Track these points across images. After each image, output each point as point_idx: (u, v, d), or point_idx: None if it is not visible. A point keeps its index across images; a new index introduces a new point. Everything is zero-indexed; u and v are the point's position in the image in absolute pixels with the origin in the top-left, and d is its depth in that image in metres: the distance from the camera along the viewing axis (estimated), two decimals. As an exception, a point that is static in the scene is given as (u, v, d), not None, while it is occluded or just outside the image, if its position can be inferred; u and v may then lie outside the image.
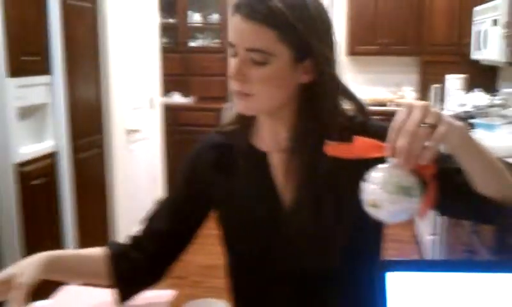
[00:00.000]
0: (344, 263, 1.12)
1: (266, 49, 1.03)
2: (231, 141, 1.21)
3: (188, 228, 1.25)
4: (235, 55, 1.06)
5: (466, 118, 3.91)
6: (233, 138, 1.21)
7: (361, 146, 0.92)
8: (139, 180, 4.10)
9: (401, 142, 0.86)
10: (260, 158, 1.18)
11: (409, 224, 4.45)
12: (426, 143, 0.86)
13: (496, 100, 3.89)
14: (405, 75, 5.85)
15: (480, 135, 3.14)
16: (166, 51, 5.08)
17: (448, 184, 0.99)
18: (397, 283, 0.85)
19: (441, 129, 0.87)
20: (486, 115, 3.88)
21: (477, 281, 0.84)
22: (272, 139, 1.17)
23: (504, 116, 3.33)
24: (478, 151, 0.97)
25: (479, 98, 4.08)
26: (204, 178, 1.21)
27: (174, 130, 5.41)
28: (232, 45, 1.06)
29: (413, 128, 0.86)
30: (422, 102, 0.89)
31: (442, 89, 5.03)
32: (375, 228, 1.18)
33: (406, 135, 0.86)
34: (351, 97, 1.14)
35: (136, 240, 1.27)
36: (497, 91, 4.51)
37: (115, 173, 3.69)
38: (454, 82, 4.82)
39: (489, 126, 3.39)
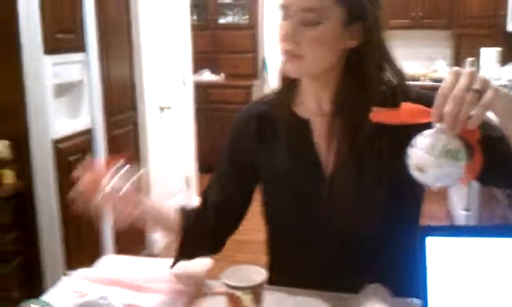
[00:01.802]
0: (384, 228, 1.14)
1: (321, 9, 1.06)
2: (272, 110, 1.23)
3: (240, 196, 1.28)
4: (285, 17, 1.08)
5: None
6: (274, 107, 1.24)
7: (408, 111, 0.93)
8: (171, 156, 4.15)
9: (448, 107, 0.87)
10: (302, 125, 1.20)
11: (443, 199, 4.41)
12: (473, 109, 0.87)
13: (533, 72, 3.80)
14: (438, 49, 5.76)
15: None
16: (196, 29, 5.09)
17: (492, 152, 0.98)
18: (436, 248, 0.86)
19: (487, 95, 0.87)
20: (521, 88, 3.80)
21: (517, 246, 0.84)
22: (315, 104, 1.19)
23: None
24: None
25: (515, 70, 3.98)
26: (247, 148, 1.24)
27: (204, 108, 5.44)
28: (284, 7, 1.08)
29: (459, 93, 0.86)
30: (469, 69, 0.90)
31: (477, 63, 4.93)
32: (415, 195, 1.20)
33: (453, 100, 0.86)
34: (393, 65, 1.16)
35: (197, 212, 1.30)
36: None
37: (148, 149, 3.73)
38: (488, 55, 4.72)
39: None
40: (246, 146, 1.24)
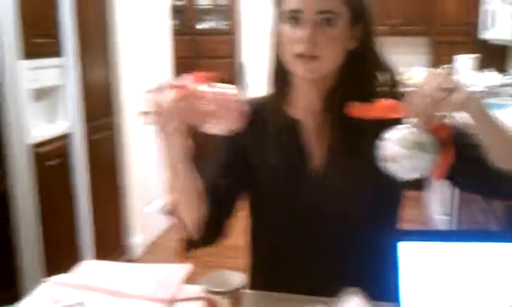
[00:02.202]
0: (368, 230, 1.15)
1: (334, 10, 1.11)
2: (263, 110, 1.26)
3: (235, 181, 1.27)
4: (300, 21, 1.11)
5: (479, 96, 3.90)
6: (266, 106, 1.27)
7: (381, 106, 0.99)
8: (151, 161, 4.13)
9: (420, 103, 0.92)
10: (293, 125, 1.24)
11: (423, 204, 4.46)
12: (443, 106, 0.92)
13: (508, 79, 3.87)
14: (415, 56, 5.82)
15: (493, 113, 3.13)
16: (175, 34, 5.07)
17: (464, 156, 1.04)
18: (410, 253, 0.87)
19: (458, 95, 0.92)
20: (497, 95, 3.87)
21: (487, 250, 0.86)
22: (306, 104, 1.23)
23: (513, 95, 3.32)
24: (493, 123, 1.01)
25: (491, 77, 4.06)
26: (241, 139, 1.25)
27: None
28: (298, 11, 1.11)
29: (431, 91, 0.92)
30: (443, 70, 0.97)
31: (453, 70, 5.00)
32: (397, 197, 1.26)
33: (425, 96, 0.92)
34: (387, 68, 1.22)
35: None
36: (506, 70, 4.49)
37: (127, 153, 3.72)
38: (464, 62, 4.79)
39: (501, 106, 3.38)
40: (239, 137, 1.23)
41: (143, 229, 3.94)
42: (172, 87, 1.02)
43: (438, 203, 3.73)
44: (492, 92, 3.83)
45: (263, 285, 1.27)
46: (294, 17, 1.12)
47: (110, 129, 3.56)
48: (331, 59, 1.15)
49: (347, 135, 1.19)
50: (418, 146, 0.93)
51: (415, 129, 0.94)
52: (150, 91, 1.04)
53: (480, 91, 3.80)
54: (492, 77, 4.04)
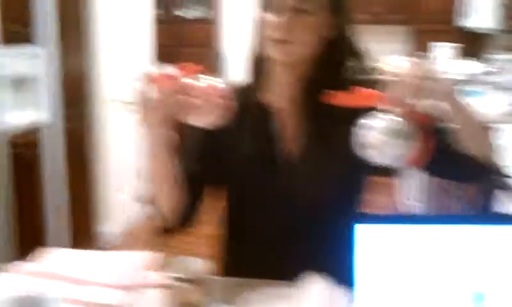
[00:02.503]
0: (338, 215, 1.15)
1: None
2: (239, 97, 1.25)
3: (209, 169, 1.26)
4: (277, 8, 1.13)
5: (456, 85, 3.93)
6: (242, 93, 1.27)
7: (359, 95, 1.00)
8: (124, 150, 4.10)
9: (399, 91, 0.95)
10: (268, 113, 1.25)
11: (394, 191, 4.47)
12: (422, 95, 0.95)
13: (487, 67, 3.90)
14: (396, 45, 5.84)
15: (469, 102, 3.15)
16: (156, 22, 5.03)
17: (439, 143, 1.06)
18: (367, 236, 0.87)
19: (437, 84, 0.96)
20: (474, 83, 3.89)
21: (444, 233, 0.86)
22: (282, 91, 1.24)
23: (492, 83, 3.34)
24: (467, 111, 1.06)
25: (470, 65, 4.08)
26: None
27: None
28: None
29: (410, 79, 0.94)
30: (419, 60, 0.99)
31: (432, 58, 5.02)
32: (362, 180, 1.28)
33: (403, 85, 0.94)
34: (363, 56, 1.24)
35: None
36: (485, 58, 4.51)
37: (102, 142, 3.69)
38: (443, 50, 4.81)
39: (478, 93, 3.40)
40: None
41: (116, 218, 3.92)
42: (160, 77, 1.01)
43: (411, 189, 3.75)
44: (470, 80, 3.85)
45: (233, 271, 1.27)
46: (273, 4, 1.14)
47: (86, 118, 3.53)
48: (305, 45, 1.16)
49: (320, 123, 1.20)
50: (399, 133, 0.94)
51: (395, 117, 0.95)
52: (136, 80, 1.02)
53: (457, 80, 3.83)
54: (470, 65, 4.07)
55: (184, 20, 5.84)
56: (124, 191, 4.07)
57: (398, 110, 0.95)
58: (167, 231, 1.24)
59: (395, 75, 0.96)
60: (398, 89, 0.95)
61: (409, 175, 3.81)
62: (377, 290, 0.86)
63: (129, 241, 3.93)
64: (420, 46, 5.43)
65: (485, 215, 1.49)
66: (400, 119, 0.95)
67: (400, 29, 5.76)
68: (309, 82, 1.21)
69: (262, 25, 1.17)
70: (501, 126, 2.83)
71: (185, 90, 1.00)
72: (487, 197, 2.08)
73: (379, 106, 0.97)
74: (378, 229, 0.87)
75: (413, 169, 1.05)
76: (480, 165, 1.12)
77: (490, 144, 1.14)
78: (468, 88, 3.65)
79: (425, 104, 0.96)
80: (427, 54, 4.98)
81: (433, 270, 0.85)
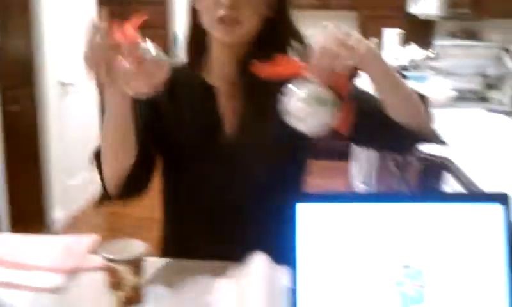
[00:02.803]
0: (277, 191, 1.15)
1: None
2: (180, 76, 1.25)
3: (154, 141, 1.24)
4: None
5: (401, 71, 4.01)
6: (182, 71, 1.26)
7: (284, 64, 0.99)
8: (74, 133, 4.01)
9: (317, 57, 0.94)
10: (209, 91, 1.24)
11: (345, 174, 4.57)
12: (342, 61, 0.94)
13: (429, 53, 3.99)
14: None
15: (413, 86, 3.23)
16: (104, 3, 4.91)
17: (364, 112, 1.08)
18: (308, 215, 0.88)
19: (358, 50, 0.94)
20: (419, 68, 3.98)
21: (384, 211, 0.88)
22: (221, 70, 1.23)
23: (434, 68, 3.43)
24: (392, 75, 1.05)
25: (414, 51, 4.17)
26: (159, 103, 1.23)
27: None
28: None
29: (330, 46, 0.93)
30: (339, 25, 0.97)
31: (380, 44, 5.10)
32: (302, 159, 1.30)
33: (323, 52, 0.94)
34: (300, 39, 1.22)
35: None
36: (432, 44, 4.62)
37: (48, 125, 3.59)
38: (391, 36, 4.89)
39: (421, 78, 3.48)
40: (159, 101, 1.22)
41: (64, 203, 3.84)
42: (106, 30, 0.97)
43: (359, 172, 3.83)
44: (414, 65, 3.94)
45: (172, 253, 1.26)
46: None
47: (30, 100, 3.43)
48: (252, 23, 1.15)
49: (257, 101, 1.20)
50: (318, 101, 0.93)
51: (313, 84, 0.94)
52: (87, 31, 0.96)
53: (401, 65, 3.90)
54: (415, 51, 4.15)
55: (135, 1, 5.70)
56: (74, 175, 3.99)
57: (319, 77, 0.95)
58: (108, 196, 1.21)
59: (316, 41, 0.95)
60: (318, 55, 0.94)
61: (358, 159, 3.89)
62: (318, 269, 0.86)
63: (77, 225, 3.87)
64: (367, 32, 5.49)
65: (423, 193, 1.52)
66: (320, 86, 0.95)
67: (348, 15, 5.82)
68: (247, 60, 1.18)
69: (203, 3, 1.15)
70: (445, 110, 2.92)
71: (123, 50, 0.95)
72: (431, 177, 2.13)
73: (302, 74, 0.97)
74: (319, 208, 0.88)
75: (335, 137, 1.04)
76: (411, 134, 1.13)
77: (422, 111, 1.15)
78: (412, 73, 3.73)
79: (347, 70, 0.96)
80: (375, 40, 5.05)
81: (373, 248, 0.86)
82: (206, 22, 1.16)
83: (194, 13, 1.20)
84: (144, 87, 0.97)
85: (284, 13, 1.21)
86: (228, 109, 1.23)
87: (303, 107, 0.94)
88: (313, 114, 0.94)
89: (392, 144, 1.26)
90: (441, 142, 1.28)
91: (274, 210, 1.15)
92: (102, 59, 0.95)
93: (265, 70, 1.00)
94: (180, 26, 5.81)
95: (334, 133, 1.01)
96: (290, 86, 0.97)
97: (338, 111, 0.95)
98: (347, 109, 0.97)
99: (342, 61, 0.94)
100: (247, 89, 1.21)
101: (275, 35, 1.20)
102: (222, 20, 1.12)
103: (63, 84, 3.76)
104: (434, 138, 1.22)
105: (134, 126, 1.11)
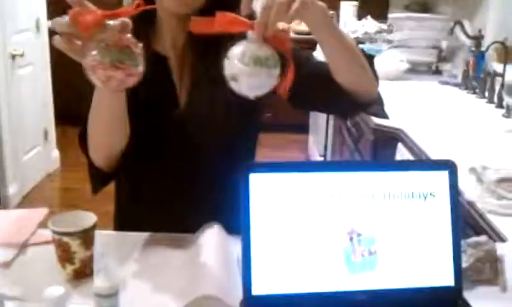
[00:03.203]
0: (231, 159, 1.15)
1: None
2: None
3: None
4: None
5: (357, 43, 4.03)
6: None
7: (222, 20, 0.92)
8: (27, 107, 3.91)
9: (262, 11, 0.90)
10: (160, 61, 1.21)
11: (304, 147, 4.61)
12: (281, 17, 0.90)
13: (384, 25, 4.02)
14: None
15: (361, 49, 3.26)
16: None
17: (304, 71, 1.06)
18: (261, 184, 0.88)
19: (296, 3, 0.90)
20: (374, 41, 4.01)
21: (337, 180, 0.89)
22: (171, 40, 1.21)
23: (389, 41, 3.46)
24: (337, 33, 1.03)
25: (369, 24, 4.19)
26: None
27: (63, 56, 5.12)
28: None
29: (269, 2, 0.89)
30: None
31: (337, 17, 5.11)
32: (254, 128, 1.30)
33: (263, 8, 0.90)
34: (250, 11, 1.18)
35: None
36: (387, 17, 4.66)
37: (0, 99, 3.48)
38: (347, 9, 4.90)
39: (376, 51, 3.51)
40: None
41: (18, 179, 3.75)
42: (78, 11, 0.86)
43: (317, 144, 3.87)
44: (369, 38, 3.97)
45: (127, 227, 1.24)
46: None
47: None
48: None
49: (208, 69, 1.17)
50: (256, 60, 0.90)
51: (254, 44, 0.91)
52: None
53: (357, 38, 3.93)
54: (370, 24, 4.18)
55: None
56: (27, 151, 3.90)
57: (257, 34, 0.91)
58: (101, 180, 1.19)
59: None
60: (262, 13, 0.90)
61: (315, 132, 3.92)
62: (270, 238, 0.87)
63: (32, 200, 3.79)
64: (327, 4, 5.49)
65: (373, 162, 1.55)
66: (259, 44, 0.91)
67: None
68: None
69: None
70: (399, 82, 2.97)
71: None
72: (383, 148, 2.16)
73: (244, 32, 0.93)
74: (271, 178, 0.88)
75: (273, 98, 1.00)
76: (354, 99, 1.12)
77: (368, 75, 1.13)
78: (367, 45, 3.76)
79: (287, 28, 0.93)
80: (332, 12, 5.06)
81: (325, 216, 0.88)
82: None
83: None
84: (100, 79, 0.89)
85: None
86: (180, 78, 1.22)
87: (241, 67, 0.90)
88: (252, 75, 0.90)
89: (333, 109, 1.26)
90: (384, 114, 1.28)
91: (226, 181, 1.15)
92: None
93: (201, 26, 0.95)
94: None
95: (273, 94, 0.98)
96: (231, 47, 0.93)
97: (279, 71, 0.92)
98: (288, 68, 0.94)
99: (276, 14, 0.89)
100: (197, 57, 1.20)
101: (223, 2, 1.11)
102: None
103: (13, 55, 3.64)
104: (378, 107, 1.22)
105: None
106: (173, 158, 1.21)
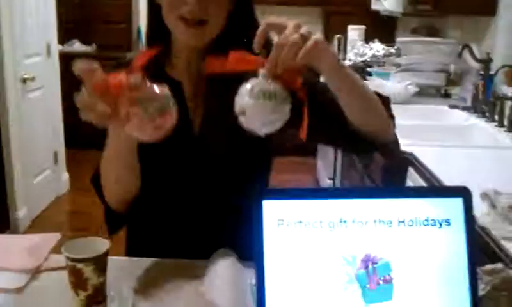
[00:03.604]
0: (245, 188, 1.15)
1: None
2: (143, 71, 1.18)
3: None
4: None
5: (364, 67, 4.05)
6: (145, 67, 1.16)
7: (235, 59, 0.95)
8: (37, 130, 3.93)
9: (273, 53, 0.91)
10: (174, 87, 1.16)
11: (313, 170, 4.61)
12: (292, 55, 0.90)
13: (391, 49, 4.04)
14: (309, 27, 5.90)
15: (376, 83, 3.27)
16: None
17: (320, 110, 1.06)
18: (274, 211, 0.87)
19: (310, 43, 0.90)
20: (382, 64, 4.03)
21: (351, 207, 0.88)
22: (186, 66, 1.19)
23: (396, 64, 3.47)
24: (350, 79, 1.02)
25: (377, 48, 4.21)
26: None
27: (72, 79, 5.17)
28: None
29: (282, 40, 0.90)
30: (296, 21, 0.93)
31: (345, 40, 5.14)
32: (267, 158, 1.28)
33: (275, 46, 0.91)
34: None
35: None
36: (395, 41, 4.68)
37: (9, 122, 3.50)
38: (354, 33, 4.93)
39: (384, 75, 3.52)
40: None
41: (28, 202, 3.76)
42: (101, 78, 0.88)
43: (325, 167, 3.86)
44: (377, 61, 3.98)
45: (138, 252, 1.24)
46: None
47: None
48: (219, 23, 1.11)
49: (222, 98, 1.15)
50: (264, 94, 0.91)
51: (263, 79, 0.92)
52: (79, 68, 0.88)
53: (364, 61, 3.94)
54: (378, 48, 4.19)
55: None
56: (38, 174, 3.92)
57: (269, 71, 0.91)
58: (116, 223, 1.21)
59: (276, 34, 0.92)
60: (274, 51, 0.91)
61: (325, 154, 3.92)
62: (283, 265, 0.86)
63: (41, 224, 3.80)
64: (332, 28, 5.54)
65: (386, 189, 1.54)
66: (270, 80, 0.92)
67: (312, 11, 5.85)
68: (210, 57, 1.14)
69: (172, 2, 1.08)
70: (407, 106, 2.97)
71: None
72: (394, 173, 2.16)
73: (256, 70, 0.94)
74: (284, 205, 0.88)
75: (298, 138, 1.01)
76: (368, 139, 1.11)
77: (382, 114, 1.12)
78: (375, 69, 3.77)
79: (299, 65, 0.91)
80: (339, 36, 5.09)
81: (340, 244, 0.87)
82: (168, 20, 1.11)
83: (155, 7, 1.14)
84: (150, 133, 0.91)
85: (247, 8, 1.17)
86: (193, 106, 1.21)
87: (248, 100, 0.91)
88: (260, 107, 0.91)
89: (347, 146, 1.25)
90: (400, 152, 1.27)
91: (239, 207, 1.14)
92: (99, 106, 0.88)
93: (217, 65, 0.98)
94: (144, 21, 5.75)
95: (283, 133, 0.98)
96: (243, 82, 0.95)
97: (289, 109, 0.93)
98: (304, 114, 0.95)
99: (287, 52, 0.89)
100: (212, 85, 1.18)
101: (239, 30, 1.14)
102: (186, 21, 1.07)
103: (24, 80, 3.67)
104: (394, 145, 1.21)
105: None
106: (185, 184, 1.21)
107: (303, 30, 0.91)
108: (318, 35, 0.93)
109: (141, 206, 1.25)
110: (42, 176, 4.01)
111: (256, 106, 0.91)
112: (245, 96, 0.92)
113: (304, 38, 0.90)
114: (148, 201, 1.24)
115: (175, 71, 1.21)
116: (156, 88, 0.90)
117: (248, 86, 0.93)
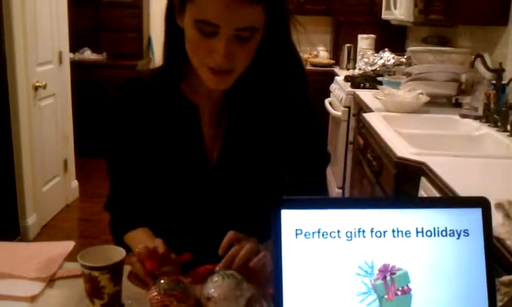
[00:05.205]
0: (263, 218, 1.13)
1: (255, 25, 1.00)
2: (157, 89, 1.16)
3: (146, 171, 1.19)
4: (211, 34, 0.99)
5: (375, 76, 4.05)
6: (162, 83, 1.16)
7: (199, 274, 1.04)
8: (47, 138, 3.95)
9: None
10: (190, 110, 1.15)
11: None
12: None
13: (402, 58, 4.04)
14: (319, 35, 5.94)
15: (387, 91, 3.26)
16: (76, 5, 4.86)
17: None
18: (292, 221, 0.87)
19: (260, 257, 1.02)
20: (393, 73, 4.03)
21: (370, 217, 0.88)
22: (207, 90, 1.12)
23: (407, 74, 3.46)
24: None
25: (387, 57, 4.21)
26: (130, 115, 1.17)
27: (84, 87, 5.21)
28: (213, 25, 0.98)
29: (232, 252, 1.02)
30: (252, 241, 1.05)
31: (354, 49, 5.15)
32: (283, 180, 1.25)
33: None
34: (294, 57, 1.17)
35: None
36: (405, 50, 4.68)
37: (22, 129, 3.52)
38: (365, 42, 4.94)
39: (395, 84, 3.52)
40: (128, 114, 1.17)
41: (37, 209, 3.77)
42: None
43: (335, 176, 3.85)
44: (388, 70, 3.98)
45: None
46: (207, 28, 0.98)
47: (1, 103, 3.36)
48: (245, 66, 1.06)
49: (243, 125, 1.15)
50: (226, 274, 1.00)
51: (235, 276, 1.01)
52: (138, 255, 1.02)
53: (375, 70, 3.94)
54: (389, 57, 4.19)
55: (107, 3, 5.64)
56: (47, 182, 3.93)
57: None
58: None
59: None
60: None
61: (335, 163, 3.91)
62: (302, 275, 0.86)
63: (51, 231, 3.81)
64: (342, 37, 5.55)
65: (403, 199, 1.53)
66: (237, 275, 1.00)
67: (323, 20, 5.86)
68: (237, 84, 1.10)
69: (190, 39, 1.03)
70: (419, 116, 2.96)
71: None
72: (406, 182, 2.15)
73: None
74: (303, 214, 0.88)
75: None
76: None
77: None
78: (388, 79, 3.77)
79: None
80: (349, 45, 5.10)
81: (358, 254, 0.86)
82: (192, 60, 1.06)
83: (175, 27, 1.07)
84: None
85: (279, 35, 1.09)
86: (211, 131, 1.16)
87: (217, 292, 0.97)
88: (220, 283, 0.98)
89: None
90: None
91: (254, 233, 1.13)
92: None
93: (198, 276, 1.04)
94: (155, 30, 5.78)
95: None
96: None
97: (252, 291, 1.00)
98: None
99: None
100: (234, 112, 1.15)
101: (268, 56, 1.10)
102: (213, 70, 1.03)
103: (35, 87, 3.69)
104: None
105: None
106: (199, 212, 1.18)
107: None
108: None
109: (153, 229, 1.22)
110: (52, 183, 4.03)
111: (216, 281, 0.99)
112: (210, 286, 0.98)
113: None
114: (159, 224, 1.21)
115: (192, 91, 1.15)
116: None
117: (213, 277, 1.00)
